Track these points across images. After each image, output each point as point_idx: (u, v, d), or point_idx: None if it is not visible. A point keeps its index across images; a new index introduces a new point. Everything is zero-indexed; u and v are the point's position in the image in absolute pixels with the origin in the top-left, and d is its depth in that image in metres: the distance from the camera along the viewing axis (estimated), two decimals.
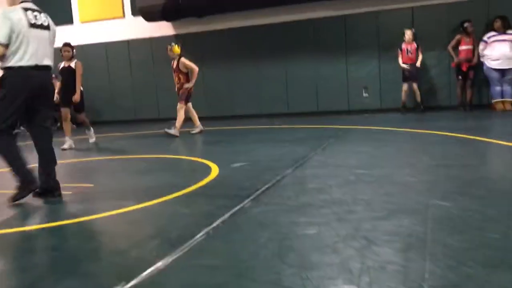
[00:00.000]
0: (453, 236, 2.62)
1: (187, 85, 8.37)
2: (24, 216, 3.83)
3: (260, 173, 4.70)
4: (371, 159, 5.06)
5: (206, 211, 3.55)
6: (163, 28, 11.52)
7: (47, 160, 4.21)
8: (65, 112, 7.69)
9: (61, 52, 7.46)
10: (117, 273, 2.39)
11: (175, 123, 8.42)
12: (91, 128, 8.24)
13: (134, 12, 11.48)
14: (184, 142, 7.93)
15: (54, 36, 4.35)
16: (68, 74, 7.57)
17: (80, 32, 12.25)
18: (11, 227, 3.40)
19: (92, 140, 8.20)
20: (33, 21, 4.03)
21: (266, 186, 4.10)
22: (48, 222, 3.53)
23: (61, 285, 2.31)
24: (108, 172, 5.61)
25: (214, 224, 3.09)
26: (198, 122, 8.76)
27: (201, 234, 2.91)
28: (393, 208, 3.23)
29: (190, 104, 8.63)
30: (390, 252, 2.45)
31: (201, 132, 8.75)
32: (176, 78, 8.52)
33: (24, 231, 3.32)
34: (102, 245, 2.87)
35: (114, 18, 12.02)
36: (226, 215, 3.29)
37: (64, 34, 12.37)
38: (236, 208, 3.44)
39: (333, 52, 10.48)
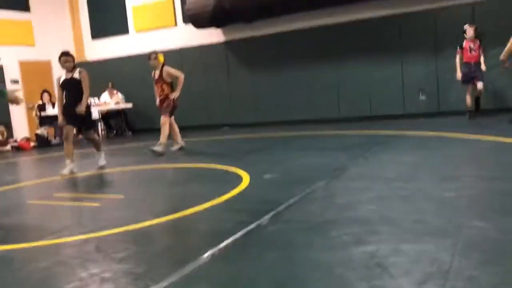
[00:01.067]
0: (484, 267, 2.28)
1: (173, 95, 7.55)
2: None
3: (291, 185, 4.47)
4: (413, 170, 4.67)
5: (220, 228, 3.39)
6: (213, 35, 11.53)
7: None
8: (69, 130, 6.40)
9: (60, 63, 6.40)
10: None
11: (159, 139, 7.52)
12: (102, 151, 6.81)
13: (186, 20, 11.58)
14: (224, 149, 7.83)
15: None
16: (72, 87, 6.34)
17: (135, 42, 12.56)
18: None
19: (102, 163, 6.72)
20: None
21: (293, 200, 3.87)
22: (55, 237, 3.51)
23: None
24: (141, 183, 5.59)
25: (223, 244, 2.92)
26: (179, 139, 7.87)
27: (206, 255, 2.75)
28: (421, 228, 2.90)
29: (172, 118, 7.74)
30: (402, 285, 2.15)
31: (181, 148, 7.82)
32: (159, 89, 7.67)
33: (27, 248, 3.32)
34: (103, 264, 2.77)
35: (166, 26, 12.21)
36: (239, 234, 3.10)
37: (120, 45, 12.83)
38: (252, 226, 3.25)
39: (387, 53, 9.97)
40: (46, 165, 8.43)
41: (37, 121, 11.50)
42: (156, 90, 7.74)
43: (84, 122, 6.50)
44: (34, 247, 3.29)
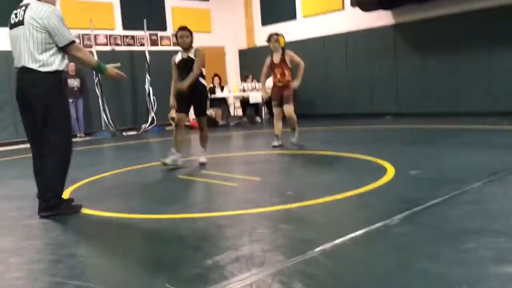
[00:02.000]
0: None
1: (295, 84, 6.85)
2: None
3: (438, 184, 3.95)
4: None
5: (344, 222, 3.16)
6: (381, 18, 10.91)
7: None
8: (180, 117, 5.63)
9: (177, 39, 5.60)
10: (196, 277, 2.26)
11: (294, 131, 6.97)
12: (206, 148, 5.94)
13: (353, 3, 11.17)
14: (378, 139, 7.34)
15: (37, 30, 3.53)
16: (189, 67, 5.52)
17: (302, 27, 12.61)
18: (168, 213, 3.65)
19: (203, 160, 5.85)
20: (12, 21, 3.64)
21: (435, 201, 3.40)
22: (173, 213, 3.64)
23: None
24: (282, 168, 5.57)
25: (339, 240, 2.68)
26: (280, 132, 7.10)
27: (318, 249, 2.55)
28: None
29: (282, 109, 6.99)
30: None
31: (281, 146, 6.98)
32: (278, 75, 6.86)
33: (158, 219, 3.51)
34: (211, 244, 2.78)
35: (334, 11, 11.97)
36: (360, 232, 2.83)
37: (288, 30, 13.01)
38: (378, 224, 2.93)
39: None
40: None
41: (208, 103, 12.41)
42: (274, 75, 6.96)
43: (196, 107, 5.70)
44: (164, 219, 3.50)
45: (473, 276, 2.12)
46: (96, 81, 11.04)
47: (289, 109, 6.82)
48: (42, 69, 3.57)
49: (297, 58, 6.88)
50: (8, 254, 2.90)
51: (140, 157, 7.17)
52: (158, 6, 12.74)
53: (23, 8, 3.60)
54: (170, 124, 12.08)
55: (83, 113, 10.93)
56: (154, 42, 12.58)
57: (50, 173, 3.64)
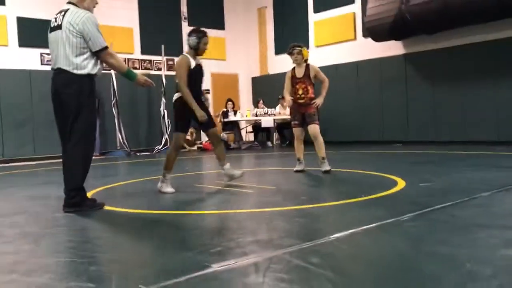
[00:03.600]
0: None
1: (319, 101, 6.15)
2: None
3: (447, 193, 4.07)
4: None
5: (357, 219, 3.28)
6: (392, 48, 11.22)
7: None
8: (181, 137, 5.01)
9: (198, 43, 4.88)
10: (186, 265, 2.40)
11: (324, 159, 6.08)
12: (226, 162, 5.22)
13: (365, 34, 11.52)
14: (388, 161, 7.47)
15: (73, 34, 3.78)
16: (201, 77, 5.04)
17: (315, 56, 12.90)
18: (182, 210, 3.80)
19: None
20: (52, 25, 3.93)
21: (445, 204, 3.54)
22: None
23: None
24: (296, 181, 5.67)
25: (353, 230, 2.82)
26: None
27: (333, 236, 2.69)
28: None
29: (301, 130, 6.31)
30: None
31: (303, 171, 6.25)
32: (301, 91, 6.11)
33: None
34: (227, 232, 2.92)
35: (346, 41, 12.32)
36: (373, 225, 2.97)
37: None
38: (390, 220, 3.07)
39: None
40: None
41: (220, 126, 12.67)
42: (295, 90, 6.18)
43: (210, 119, 5.11)
44: (183, 214, 3.66)
45: (482, 256, 2.25)
46: (113, 102, 11.38)
47: (314, 128, 6.09)
48: (75, 71, 3.81)
49: (322, 75, 6.23)
50: (37, 237, 3.06)
51: (157, 170, 7.34)
52: (175, 32, 13.19)
53: (62, 13, 3.87)
54: (184, 147, 12.27)
55: (99, 132, 11.20)
56: (170, 67, 12.95)
57: (73, 166, 3.85)
